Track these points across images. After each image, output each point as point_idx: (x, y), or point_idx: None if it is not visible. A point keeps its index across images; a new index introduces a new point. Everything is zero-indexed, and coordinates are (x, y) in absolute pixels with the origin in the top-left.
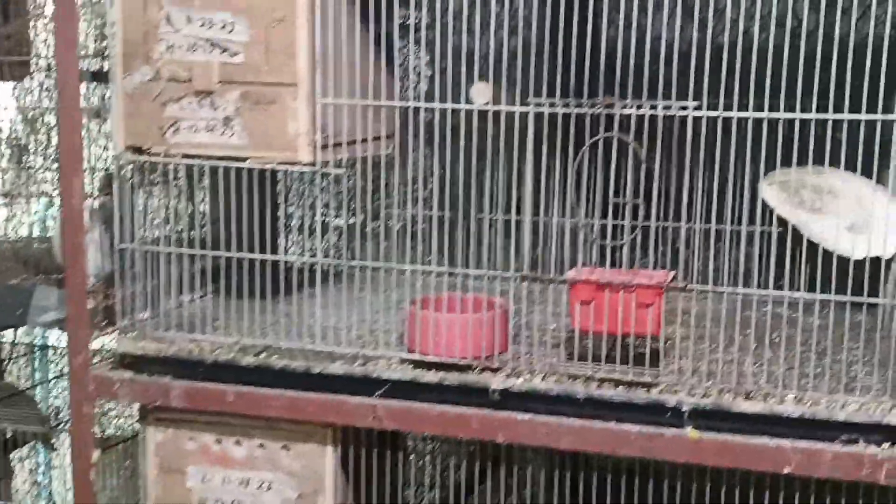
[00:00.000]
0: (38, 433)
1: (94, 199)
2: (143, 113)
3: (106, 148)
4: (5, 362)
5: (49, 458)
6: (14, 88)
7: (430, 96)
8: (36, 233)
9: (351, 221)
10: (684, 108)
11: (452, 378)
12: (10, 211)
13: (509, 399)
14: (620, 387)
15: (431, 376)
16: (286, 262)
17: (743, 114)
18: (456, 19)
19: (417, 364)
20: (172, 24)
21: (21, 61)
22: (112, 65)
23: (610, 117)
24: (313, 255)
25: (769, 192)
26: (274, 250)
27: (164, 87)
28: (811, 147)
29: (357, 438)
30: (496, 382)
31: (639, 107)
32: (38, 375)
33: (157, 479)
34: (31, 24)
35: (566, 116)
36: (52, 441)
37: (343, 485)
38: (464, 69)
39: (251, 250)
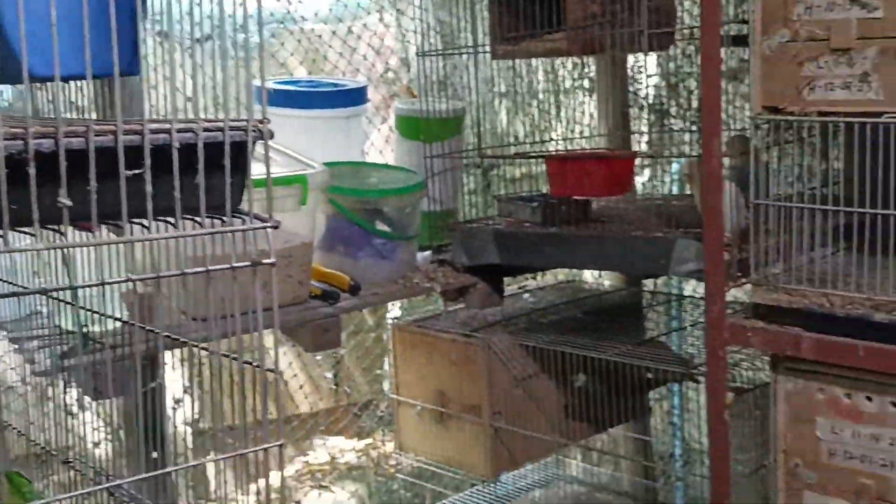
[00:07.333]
0: (676, 375)
1: (730, 157)
2: (779, 74)
3: (741, 108)
4: (645, 309)
5: (682, 402)
6: (658, 57)
7: None
8: (675, 190)
9: None
10: None
11: None
12: (652, 171)
13: None
14: None
15: None
16: None
17: None
18: None
19: None
20: None
21: (666, 32)
22: (751, 29)
23: None
24: None
25: None
26: None
27: (801, 47)
28: None
29: None
30: None
31: None
32: (674, 323)
33: (787, 427)
34: None
35: None
36: (696, 378)
37: None
38: None
39: (885, 207)
